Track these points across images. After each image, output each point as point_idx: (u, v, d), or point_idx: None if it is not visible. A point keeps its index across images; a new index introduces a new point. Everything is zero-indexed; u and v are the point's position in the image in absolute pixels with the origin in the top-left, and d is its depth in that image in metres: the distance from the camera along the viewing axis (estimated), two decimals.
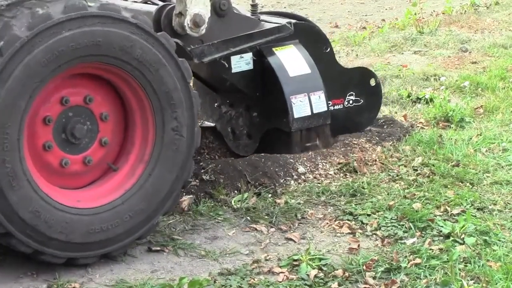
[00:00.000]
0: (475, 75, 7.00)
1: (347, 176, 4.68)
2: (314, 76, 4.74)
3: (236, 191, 4.35)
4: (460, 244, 3.77)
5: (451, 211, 4.16)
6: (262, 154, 4.59)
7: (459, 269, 3.50)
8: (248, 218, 4.11)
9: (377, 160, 4.89)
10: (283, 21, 4.64)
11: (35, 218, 3.30)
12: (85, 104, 3.52)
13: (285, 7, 11.97)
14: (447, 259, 3.57)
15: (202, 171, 4.35)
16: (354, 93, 5.09)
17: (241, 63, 4.57)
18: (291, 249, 3.80)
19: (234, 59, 4.53)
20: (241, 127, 4.92)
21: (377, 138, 5.21)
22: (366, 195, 4.39)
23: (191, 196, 4.22)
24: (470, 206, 4.23)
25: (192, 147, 3.69)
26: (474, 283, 3.41)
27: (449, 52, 8.21)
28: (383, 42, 8.79)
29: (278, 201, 4.29)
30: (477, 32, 9.19)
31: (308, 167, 4.70)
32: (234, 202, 4.25)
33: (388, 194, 4.40)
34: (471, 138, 5.30)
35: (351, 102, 5.10)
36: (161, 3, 4.38)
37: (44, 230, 3.34)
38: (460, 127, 5.66)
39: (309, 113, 4.68)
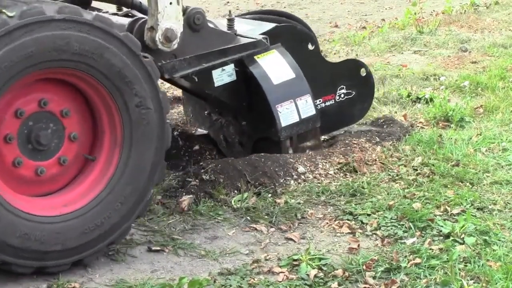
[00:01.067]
0: (475, 75, 7.00)
1: (347, 176, 4.68)
2: (299, 80, 4.66)
3: (236, 191, 4.34)
4: (460, 244, 3.77)
5: (451, 211, 4.16)
6: (262, 154, 4.59)
7: (459, 269, 3.50)
8: (248, 218, 4.11)
9: (377, 159, 4.89)
10: (259, 36, 4.51)
11: (26, 241, 3.28)
12: (42, 108, 3.43)
13: (285, 7, 11.97)
14: (447, 259, 3.57)
15: (202, 171, 4.35)
16: (344, 86, 5.06)
17: (223, 76, 4.48)
18: (291, 249, 3.80)
19: (216, 73, 4.44)
20: (233, 135, 4.89)
21: (377, 138, 5.21)
22: (366, 195, 4.39)
23: (191, 196, 4.22)
24: (470, 206, 4.23)
25: (163, 114, 3.60)
26: (474, 283, 3.41)
27: (449, 51, 8.21)
28: (383, 41, 8.79)
29: (278, 201, 4.29)
30: (477, 31, 9.19)
31: (308, 167, 4.69)
32: (234, 202, 4.24)
33: (388, 194, 4.40)
34: (471, 138, 5.30)
35: (342, 95, 5.06)
36: (140, 16, 4.31)
37: (39, 248, 3.33)
38: (460, 126, 5.66)
39: (297, 119, 4.61)
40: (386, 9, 11.74)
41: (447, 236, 3.86)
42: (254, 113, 4.67)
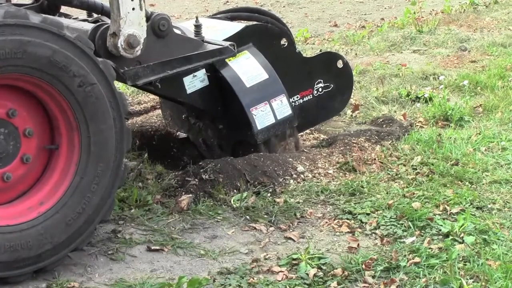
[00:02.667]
0: (474, 74, 7.01)
1: (346, 175, 4.69)
2: (272, 80, 4.60)
3: (235, 190, 4.35)
4: (460, 243, 3.78)
5: (450, 210, 4.17)
6: (261, 153, 4.59)
7: (459, 268, 3.51)
8: (248, 217, 4.12)
9: (376, 159, 4.89)
10: (226, 43, 4.42)
11: (13, 253, 3.26)
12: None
13: (284, 6, 11.99)
14: (446, 258, 3.58)
15: (202, 170, 4.35)
16: (322, 80, 5.01)
17: (195, 82, 4.43)
18: (290, 248, 3.80)
19: (187, 80, 4.39)
20: (212, 138, 4.85)
21: (376, 137, 5.21)
22: (365, 194, 4.39)
23: (190, 195, 4.22)
24: (469, 205, 4.24)
25: (110, 84, 3.49)
26: (473, 282, 3.41)
27: (448, 51, 8.22)
28: (382, 41, 8.79)
29: (277, 200, 4.29)
30: (476, 31, 9.19)
31: (307, 166, 4.70)
32: (234, 201, 4.25)
33: (387, 193, 4.41)
34: (470, 137, 5.30)
35: (320, 90, 5.02)
36: (106, 22, 4.22)
37: (29, 255, 3.32)
38: (459, 126, 5.66)
39: (273, 121, 4.56)
40: (385, 8, 11.74)
41: (447, 235, 3.87)
42: (230, 117, 4.63)
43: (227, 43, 4.41)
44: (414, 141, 5.18)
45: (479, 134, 5.37)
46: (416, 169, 4.76)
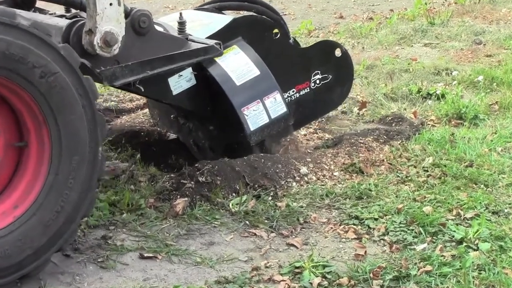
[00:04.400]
0: (490, 69, 7.02)
1: (352, 177, 4.69)
2: (264, 76, 4.55)
3: (234, 194, 4.35)
4: (474, 250, 3.78)
5: (464, 215, 4.17)
6: (262, 154, 4.59)
7: (473, 277, 3.51)
8: (247, 222, 4.12)
9: (385, 160, 4.90)
10: (211, 41, 4.32)
11: None
12: None
13: None
14: (460, 266, 3.58)
15: (198, 172, 4.35)
16: (319, 71, 4.97)
17: (181, 82, 4.39)
18: (293, 256, 3.81)
19: (172, 80, 4.36)
20: (202, 139, 4.82)
21: (385, 137, 5.22)
22: (373, 197, 4.40)
23: (186, 199, 4.23)
24: (484, 210, 4.24)
25: (75, 71, 3.43)
26: None
27: (462, 44, 8.24)
28: (391, 34, 8.81)
29: (279, 204, 4.30)
30: (492, 23, 9.21)
31: (311, 168, 4.70)
32: (232, 205, 4.25)
33: (396, 196, 4.41)
34: (485, 137, 5.31)
35: (318, 82, 4.98)
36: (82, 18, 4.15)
37: (10, 263, 3.30)
38: (474, 124, 5.67)
39: (267, 120, 4.52)
40: None
41: (460, 242, 3.87)
42: (220, 118, 4.59)
43: (212, 42, 4.31)
44: (425, 141, 5.19)
45: (495, 133, 5.38)
46: (427, 171, 4.77)
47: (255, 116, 4.48)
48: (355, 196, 4.42)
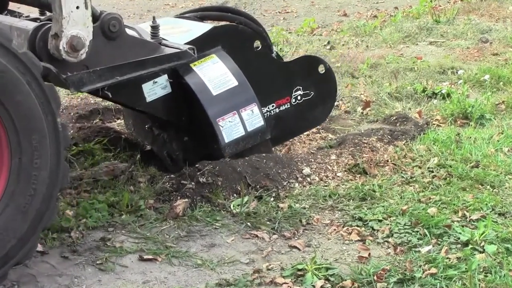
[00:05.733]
0: (496, 68, 7.01)
1: (356, 178, 4.69)
2: (242, 87, 4.49)
3: (235, 195, 4.35)
4: (480, 252, 3.78)
5: (470, 217, 4.17)
6: (264, 154, 4.59)
7: (479, 280, 3.51)
8: (249, 224, 4.12)
9: (389, 160, 4.90)
10: (185, 46, 4.25)
11: None
12: None
13: None
14: (466, 268, 3.58)
15: (198, 173, 4.35)
16: (301, 87, 4.91)
17: (156, 89, 4.33)
18: (295, 258, 3.81)
19: (147, 87, 4.29)
20: (177, 151, 4.74)
21: (389, 137, 5.22)
22: (377, 199, 4.40)
23: (186, 200, 4.23)
24: (490, 211, 4.24)
25: (24, 66, 3.35)
26: None
27: (468, 43, 8.23)
28: (396, 32, 8.80)
29: (281, 205, 4.30)
30: (499, 21, 9.20)
31: (313, 169, 4.71)
32: (233, 206, 4.25)
33: (401, 198, 4.41)
34: (491, 137, 5.31)
35: (299, 98, 4.91)
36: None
37: None
38: (480, 124, 5.67)
39: (243, 133, 4.45)
40: None
41: (466, 244, 3.87)
42: (196, 128, 4.53)
43: (186, 47, 4.25)
44: (430, 141, 5.19)
45: (502, 133, 5.38)
46: (432, 171, 4.77)
47: (230, 128, 4.42)
48: (358, 197, 4.42)
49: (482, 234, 3.89)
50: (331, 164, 4.80)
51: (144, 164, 4.72)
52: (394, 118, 5.72)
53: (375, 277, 3.56)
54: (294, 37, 9.04)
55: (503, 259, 3.70)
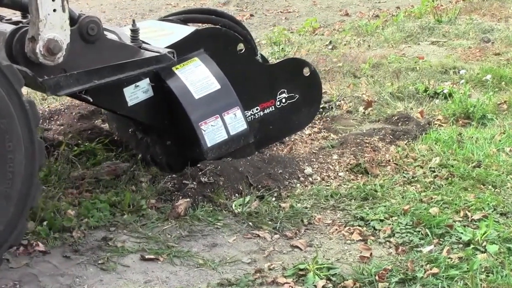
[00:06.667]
0: (498, 68, 7.01)
1: (358, 178, 4.69)
2: (225, 91, 4.45)
3: (237, 194, 4.35)
4: (482, 252, 3.78)
5: (471, 217, 4.17)
6: (266, 154, 4.58)
7: (480, 280, 3.50)
8: (250, 223, 4.12)
9: (391, 160, 4.90)
10: (165, 50, 4.20)
11: None
12: None
13: None
14: (467, 268, 3.58)
15: (200, 172, 4.35)
16: (285, 90, 4.87)
17: (138, 93, 4.30)
18: (297, 258, 3.81)
19: (128, 91, 4.26)
20: (160, 155, 4.72)
21: (391, 137, 5.22)
22: (379, 198, 4.40)
23: (188, 199, 4.23)
24: (492, 211, 4.24)
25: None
26: None
27: (469, 42, 8.23)
28: (398, 31, 8.80)
29: (282, 205, 4.30)
30: (501, 20, 9.20)
31: (315, 168, 4.71)
32: (235, 206, 4.25)
33: (402, 197, 4.41)
34: (493, 137, 5.31)
35: (284, 101, 4.87)
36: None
37: None
38: (482, 124, 5.67)
39: (226, 137, 4.41)
40: None
41: (467, 244, 3.87)
42: (178, 132, 4.49)
43: (165, 50, 4.20)
44: (432, 141, 5.19)
45: (503, 133, 5.37)
46: (434, 171, 4.77)
47: (212, 132, 4.38)
48: (360, 197, 4.42)
49: (484, 234, 3.89)
50: (333, 164, 4.80)
51: (145, 164, 4.72)
52: (396, 118, 5.72)
53: (376, 277, 3.56)
54: (296, 37, 9.05)
55: (504, 259, 3.70)
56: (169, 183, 4.40)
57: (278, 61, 5.28)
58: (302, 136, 5.44)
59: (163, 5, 12.13)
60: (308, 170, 4.66)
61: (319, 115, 5.91)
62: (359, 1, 11.69)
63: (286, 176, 4.55)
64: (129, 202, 4.21)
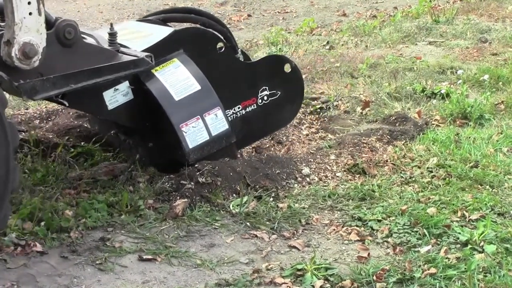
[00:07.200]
0: (496, 68, 7.02)
1: (355, 178, 4.70)
2: (206, 92, 4.43)
3: (234, 195, 4.35)
4: (479, 252, 3.78)
5: (469, 217, 4.17)
6: (264, 154, 4.58)
7: (478, 280, 3.51)
8: (248, 224, 4.12)
9: (389, 160, 4.90)
10: (142, 54, 4.17)
11: None
12: None
13: None
14: (465, 268, 3.58)
15: (198, 173, 4.35)
16: (267, 87, 4.87)
17: (117, 96, 4.27)
18: (294, 258, 3.81)
19: (108, 94, 4.23)
20: (143, 157, 4.70)
21: (389, 137, 5.22)
22: (377, 199, 4.40)
23: (185, 200, 4.23)
24: (490, 211, 4.24)
25: None
26: None
27: (467, 42, 8.23)
28: (395, 32, 8.81)
29: (280, 205, 4.30)
30: (498, 21, 9.20)
31: (313, 169, 4.71)
32: (233, 206, 4.25)
33: (400, 198, 4.41)
34: (491, 137, 5.31)
35: (265, 98, 4.87)
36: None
37: None
38: (479, 124, 5.67)
39: (207, 138, 4.39)
40: None
41: (465, 244, 3.87)
42: (160, 134, 4.47)
43: (143, 54, 4.17)
44: (429, 141, 5.19)
45: (501, 133, 5.38)
46: (431, 171, 4.77)
47: (194, 133, 4.36)
48: (358, 197, 4.42)
49: (481, 234, 3.90)
50: (331, 164, 4.80)
51: (143, 164, 4.72)
52: (394, 118, 5.72)
53: (374, 277, 3.56)
54: (294, 37, 9.05)
55: (502, 259, 3.70)
56: (166, 183, 4.39)
57: (258, 58, 5.25)
58: (300, 137, 5.44)
59: (160, 5, 12.12)
60: (306, 170, 4.67)
61: (317, 116, 5.92)
62: (357, 2, 11.70)
63: (284, 177, 4.55)
64: (127, 202, 4.21)
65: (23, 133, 5.10)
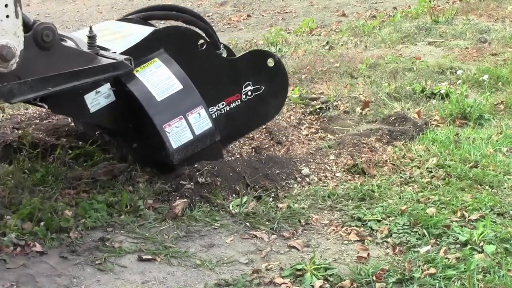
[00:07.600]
0: (495, 68, 7.02)
1: (355, 178, 4.70)
2: (188, 91, 4.40)
3: (234, 195, 4.35)
4: (479, 252, 3.78)
5: (468, 217, 4.17)
6: (263, 155, 4.58)
7: (478, 280, 3.51)
8: (248, 224, 4.12)
9: (388, 161, 4.90)
10: (122, 56, 4.16)
11: None
12: None
13: None
14: (465, 269, 3.58)
15: (198, 173, 4.35)
16: (251, 83, 4.84)
17: (99, 99, 4.25)
18: (294, 258, 3.81)
19: (89, 97, 4.21)
20: (128, 157, 4.69)
21: (388, 137, 5.22)
22: (376, 199, 4.40)
23: (185, 200, 4.23)
24: (489, 211, 4.24)
25: None
26: None
27: (466, 43, 8.23)
28: (395, 32, 8.81)
29: (280, 205, 4.30)
30: (498, 21, 9.20)
31: (312, 169, 4.71)
32: (232, 206, 4.25)
33: (400, 198, 4.41)
34: (490, 137, 5.31)
35: (249, 93, 4.85)
36: None
37: None
38: (479, 124, 5.67)
39: (191, 137, 4.37)
40: None
41: (465, 244, 3.87)
42: (143, 135, 4.44)
43: (122, 57, 4.15)
44: (429, 141, 5.19)
45: (500, 133, 5.38)
46: (431, 171, 4.77)
47: (177, 133, 4.34)
48: (357, 198, 4.42)
49: (481, 234, 3.90)
50: (330, 164, 4.80)
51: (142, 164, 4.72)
52: (393, 118, 5.72)
53: (374, 277, 3.56)
54: (293, 37, 9.05)
55: (502, 259, 3.70)
56: (166, 183, 4.39)
57: (241, 54, 5.20)
58: (299, 137, 5.44)
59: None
60: (305, 170, 4.66)
61: (316, 116, 5.92)
62: (356, 2, 11.69)
63: (283, 177, 4.55)
64: (126, 202, 4.21)
65: (20, 132, 5.11)
